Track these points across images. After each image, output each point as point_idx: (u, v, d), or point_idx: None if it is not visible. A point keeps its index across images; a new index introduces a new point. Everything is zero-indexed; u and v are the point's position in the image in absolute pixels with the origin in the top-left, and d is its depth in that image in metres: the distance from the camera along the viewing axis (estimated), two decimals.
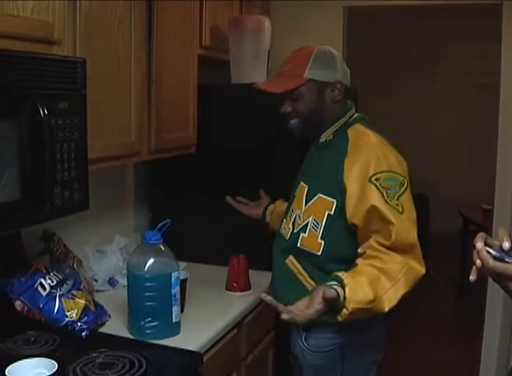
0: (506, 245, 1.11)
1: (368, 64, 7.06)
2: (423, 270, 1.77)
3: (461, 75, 7.40)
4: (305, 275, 1.92)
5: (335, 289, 1.65)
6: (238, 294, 2.40)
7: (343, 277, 1.69)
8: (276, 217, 2.28)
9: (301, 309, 1.64)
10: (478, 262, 1.13)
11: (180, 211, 2.68)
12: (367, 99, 4.76)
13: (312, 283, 1.89)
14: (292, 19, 3.48)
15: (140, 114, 2.19)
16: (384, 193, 1.76)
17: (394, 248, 1.75)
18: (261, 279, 2.41)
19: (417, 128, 7.61)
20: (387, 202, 1.76)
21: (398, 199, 1.77)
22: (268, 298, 1.70)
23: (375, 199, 1.76)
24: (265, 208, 2.41)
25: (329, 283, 1.68)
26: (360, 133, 1.92)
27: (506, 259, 1.11)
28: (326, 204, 1.87)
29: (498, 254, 1.12)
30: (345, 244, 1.87)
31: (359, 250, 1.82)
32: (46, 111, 1.54)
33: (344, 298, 1.65)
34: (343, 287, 1.66)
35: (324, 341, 1.93)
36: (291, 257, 1.96)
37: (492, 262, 1.11)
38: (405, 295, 1.74)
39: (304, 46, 1.99)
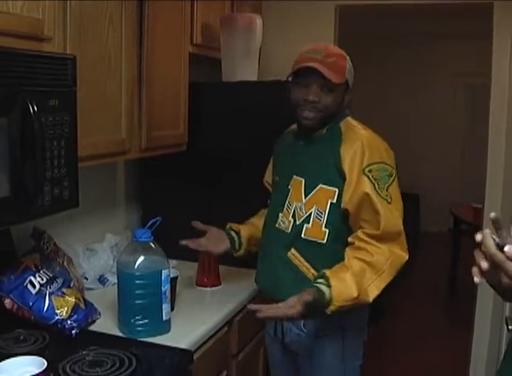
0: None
1: (359, 63, 7.06)
2: (406, 256, 1.88)
3: (454, 75, 7.43)
4: (308, 266, 1.95)
5: (321, 289, 1.77)
6: (208, 289, 2.42)
7: (329, 276, 1.79)
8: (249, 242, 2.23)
9: (287, 308, 1.75)
10: (483, 263, 1.07)
11: (171, 208, 2.67)
12: (359, 98, 4.78)
13: (316, 273, 1.91)
14: (284, 17, 3.48)
15: (131, 112, 2.19)
16: (376, 185, 1.86)
17: (382, 237, 1.85)
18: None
19: (409, 128, 7.64)
20: (377, 193, 1.86)
21: (387, 189, 1.88)
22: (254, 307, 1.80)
23: (368, 189, 1.86)
24: (234, 238, 2.21)
25: (318, 281, 1.80)
26: (351, 125, 2.00)
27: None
28: (329, 194, 1.93)
29: (502, 243, 1.06)
30: (347, 230, 1.94)
31: (349, 239, 1.91)
32: (36, 108, 1.54)
33: (331, 298, 1.76)
34: (329, 286, 1.77)
35: (324, 324, 1.96)
36: (293, 250, 1.97)
37: (494, 250, 1.06)
38: (389, 282, 1.86)
39: (329, 45, 2.06)
